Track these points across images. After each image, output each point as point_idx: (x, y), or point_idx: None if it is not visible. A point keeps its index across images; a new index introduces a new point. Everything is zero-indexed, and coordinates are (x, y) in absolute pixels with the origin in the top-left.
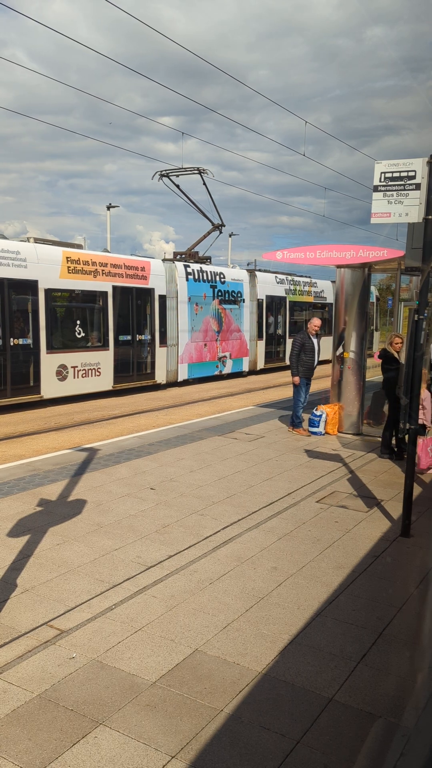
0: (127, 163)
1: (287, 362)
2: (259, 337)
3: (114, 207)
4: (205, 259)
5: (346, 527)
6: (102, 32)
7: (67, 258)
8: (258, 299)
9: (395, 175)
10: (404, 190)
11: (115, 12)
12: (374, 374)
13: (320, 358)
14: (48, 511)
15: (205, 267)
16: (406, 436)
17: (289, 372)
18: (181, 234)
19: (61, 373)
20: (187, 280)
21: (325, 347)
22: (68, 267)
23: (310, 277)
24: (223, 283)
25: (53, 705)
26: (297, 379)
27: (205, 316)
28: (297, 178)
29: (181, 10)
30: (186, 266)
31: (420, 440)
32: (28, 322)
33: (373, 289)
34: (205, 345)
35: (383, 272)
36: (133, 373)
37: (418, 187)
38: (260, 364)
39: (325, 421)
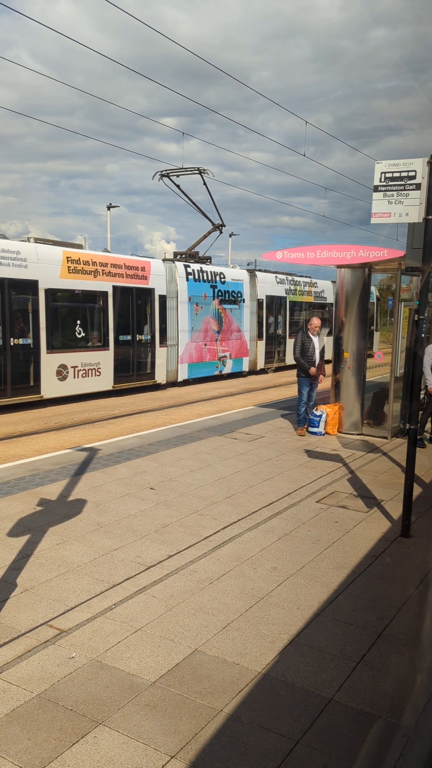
0: (129, 163)
1: (287, 362)
2: (259, 337)
3: (114, 207)
4: (206, 259)
5: (346, 527)
6: (107, 34)
7: (67, 258)
8: (258, 299)
9: (395, 175)
10: (404, 190)
11: (120, 14)
12: (374, 374)
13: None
14: (48, 511)
15: (205, 267)
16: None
17: (289, 372)
18: (182, 234)
19: (61, 373)
20: (188, 280)
21: (326, 347)
22: (68, 267)
23: (310, 277)
24: (224, 283)
25: (53, 705)
26: (313, 369)
27: (205, 316)
28: (298, 179)
29: (186, 12)
30: (186, 266)
31: None
32: (28, 322)
33: (373, 289)
34: (205, 345)
35: (383, 272)
36: (133, 373)
37: (418, 187)
38: (260, 364)
39: (325, 421)
